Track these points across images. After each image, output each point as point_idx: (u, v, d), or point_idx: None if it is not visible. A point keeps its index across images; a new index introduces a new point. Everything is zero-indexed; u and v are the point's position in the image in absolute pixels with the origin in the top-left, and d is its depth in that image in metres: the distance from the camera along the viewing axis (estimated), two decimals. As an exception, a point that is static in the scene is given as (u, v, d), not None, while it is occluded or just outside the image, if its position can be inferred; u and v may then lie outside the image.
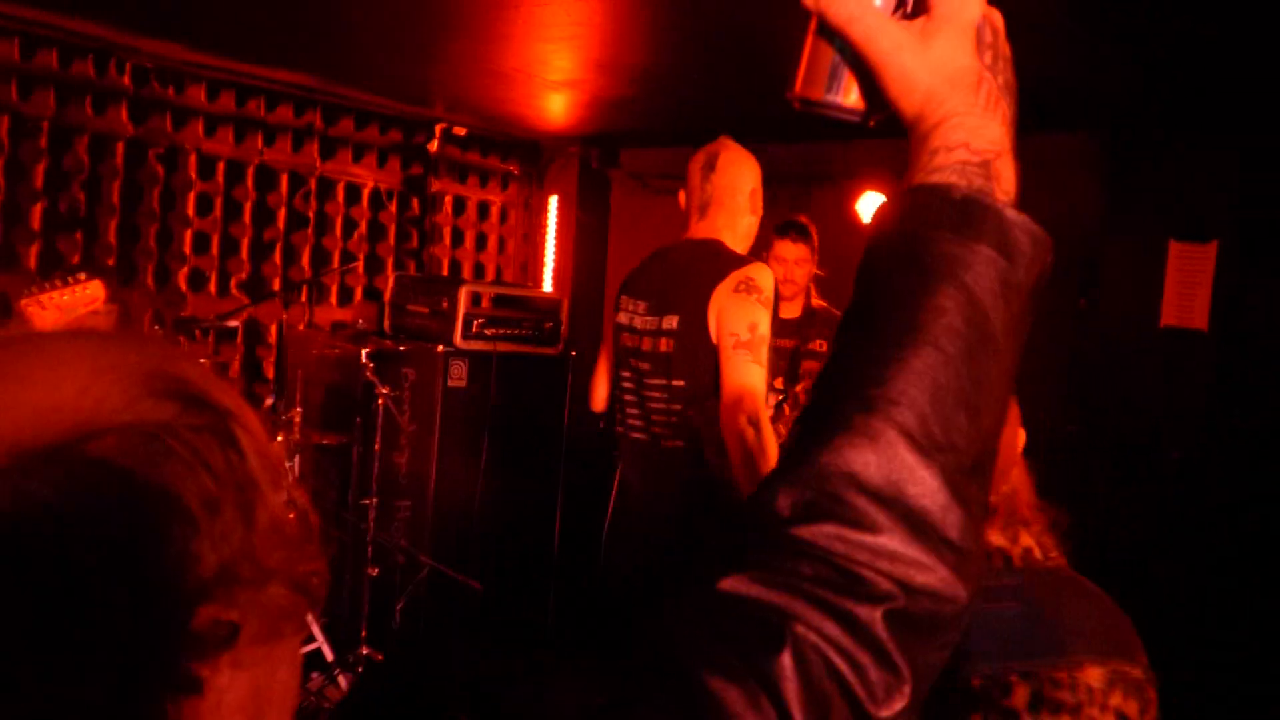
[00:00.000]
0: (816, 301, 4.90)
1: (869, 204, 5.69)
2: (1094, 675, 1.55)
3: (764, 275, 3.23)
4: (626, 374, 3.46)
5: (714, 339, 3.22)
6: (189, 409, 0.60)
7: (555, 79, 5.21)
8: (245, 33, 4.83)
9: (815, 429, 0.72)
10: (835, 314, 4.80)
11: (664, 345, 3.32)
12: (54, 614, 0.52)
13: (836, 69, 0.81)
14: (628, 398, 3.47)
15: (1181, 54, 3.96)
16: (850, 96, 0.81)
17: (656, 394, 3.34)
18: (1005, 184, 0.76)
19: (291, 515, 0.63)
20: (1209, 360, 4.60)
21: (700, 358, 3.24)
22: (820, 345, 4.70)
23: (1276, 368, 4.45)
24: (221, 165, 5.60)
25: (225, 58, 5.29)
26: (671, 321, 3.30)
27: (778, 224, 4.76)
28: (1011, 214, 0.74)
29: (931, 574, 0.68)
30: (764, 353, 3.16)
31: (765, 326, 3.18)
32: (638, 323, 3.42)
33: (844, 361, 0.75)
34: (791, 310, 4.80)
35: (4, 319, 4.82)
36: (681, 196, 3.58)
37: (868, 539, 0.67)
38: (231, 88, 5.56)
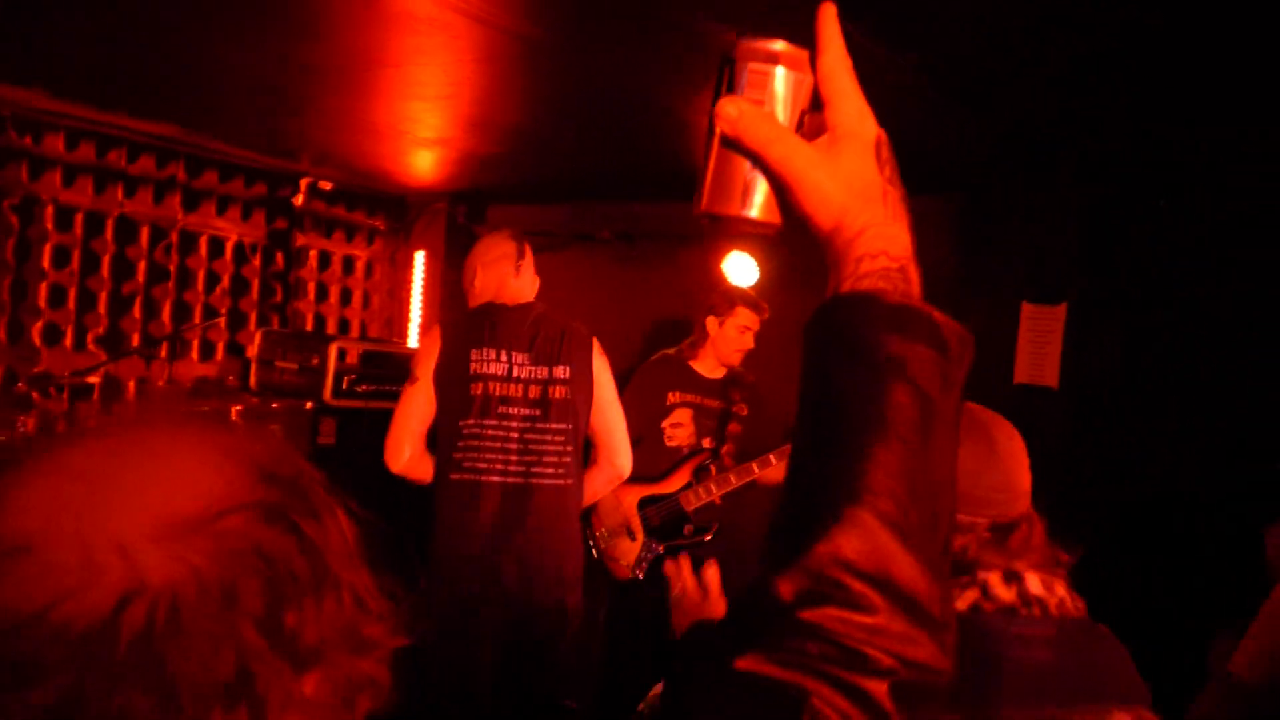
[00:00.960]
0: (739, 372, 5.04)
1: (733, 264, 5.82)
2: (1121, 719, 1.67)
3: None
4: (496, 420, 3.71)
5: (593, 389, 3.79)
6: (294, 495, 0.69)
7: (425, 135, 5.23)
8: (107, 82, 4.74)
9: (806, 520, 0.78)
10: (748, 378, 5.00)
11: (559, 392, 3.72)
12: (196, 665, 0.59)
13: (749, 185, 0.85)
14: (494, 443, 3.70)
15: (1028, 118, 4.19)
16: (763, 211, 0.86)
17: (547, 437, 3.70)
18: (916, 285, 0.86)
19: (373, 595, 0.71)
20: (1060, 416, 4.83)
21: (582, 405, 3.75)
22: (743, 409, 4.91)
23: (1121, 422, 4.70)
24: (80, 216, 5.46)
25: (85, 106, 5.18)
26: (564, 371, 3.74)
27: (737, 293, 5.03)
28: (940, 317, 0.83)
29: (923, 649, 0.76)
30: None
31: None
32: (520, 372, 3.73)
33: (818, 457, 0.81)
34: (717, 371, 4.99)
35: None
36: (477, 269, 4.03)
37: (866, 620, 0.75)
38: (91, 137, 5.44)
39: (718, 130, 0.85)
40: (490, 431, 3.66)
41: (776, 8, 3.08)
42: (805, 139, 0.85)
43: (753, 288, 5.85)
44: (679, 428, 4.91)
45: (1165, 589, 4.39)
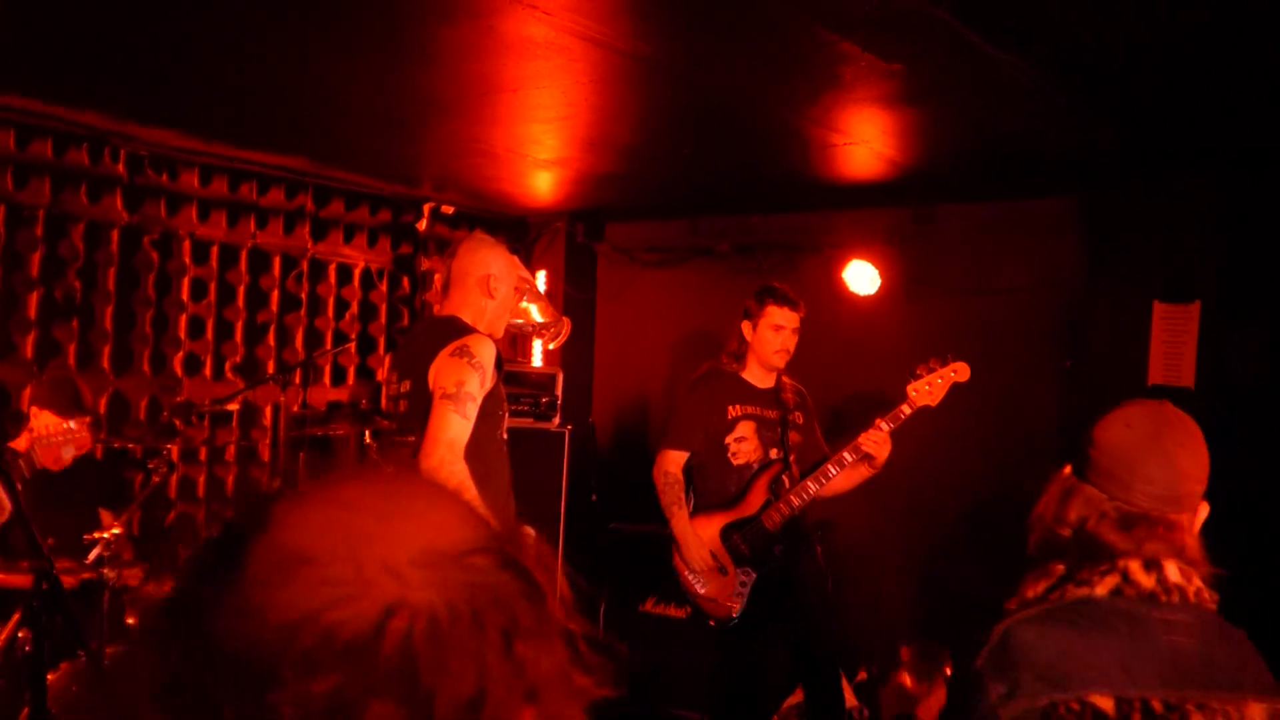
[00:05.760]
0: (784, 379, 4.80)
1: (854, 272, 5.77)
2: (1257, 712, 1.70)
3: (481, 345, 3.58)
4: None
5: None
6: (510, 542, 0.77)
7: (543, 157, 5.30)
8: (237, 119, 4.91)
9: None
10: (800, 388, 4.81)
11: (402, 406, 3.71)
12: (447, 680, 0.67)
13: None
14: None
15: (1153, 110, 4.07)
16: None
17: (400, 451, 3.72)
18: None
19: (586, 646, 0.79)
20: (1197, 417, 4.67)
21: (424, 417, 3.54)
22: (798, 418, 4.70)
23: (1260, 423, 4.53)
24: (215, 249, 5.66)
25: (217, 143, 5.37)
26: (406, 385, 3.69)
27: (765, 289, 4.73)
28: None
29: None
30: (469, 409, 3.48)
31: (473, 386, 3.51)
32: (389, 389, 3.83)
33: None
34: (767, 380, 4.75)
35: (2, 408, 4.84)
36: (438, 279, 3.92)
37: None
38: (224, 173, 5.64)
39: None
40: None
41: (886, 13, 3.05)
42: None
43: (873, 296, 5.79)
44: (743, 442, 4.65)
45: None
